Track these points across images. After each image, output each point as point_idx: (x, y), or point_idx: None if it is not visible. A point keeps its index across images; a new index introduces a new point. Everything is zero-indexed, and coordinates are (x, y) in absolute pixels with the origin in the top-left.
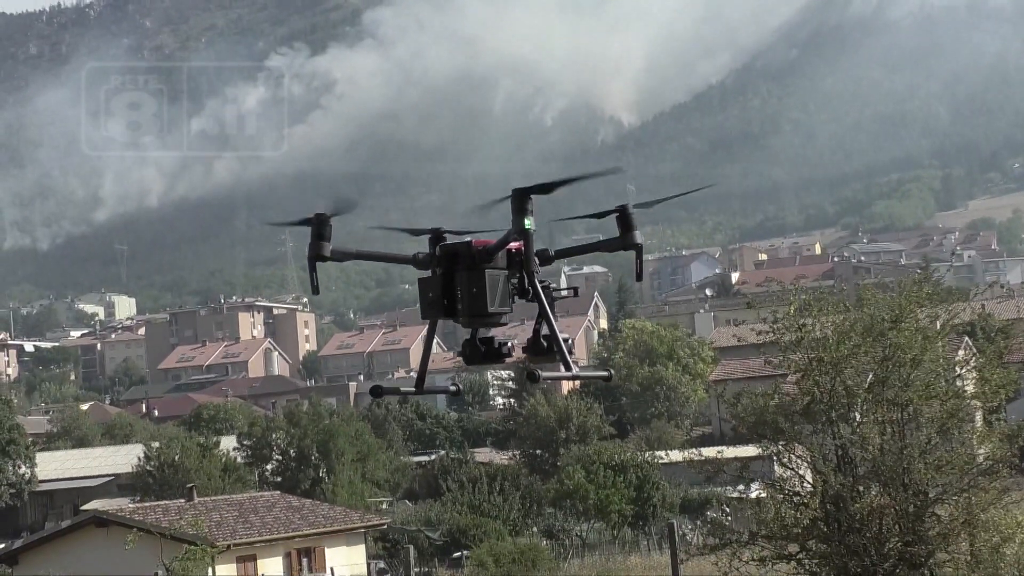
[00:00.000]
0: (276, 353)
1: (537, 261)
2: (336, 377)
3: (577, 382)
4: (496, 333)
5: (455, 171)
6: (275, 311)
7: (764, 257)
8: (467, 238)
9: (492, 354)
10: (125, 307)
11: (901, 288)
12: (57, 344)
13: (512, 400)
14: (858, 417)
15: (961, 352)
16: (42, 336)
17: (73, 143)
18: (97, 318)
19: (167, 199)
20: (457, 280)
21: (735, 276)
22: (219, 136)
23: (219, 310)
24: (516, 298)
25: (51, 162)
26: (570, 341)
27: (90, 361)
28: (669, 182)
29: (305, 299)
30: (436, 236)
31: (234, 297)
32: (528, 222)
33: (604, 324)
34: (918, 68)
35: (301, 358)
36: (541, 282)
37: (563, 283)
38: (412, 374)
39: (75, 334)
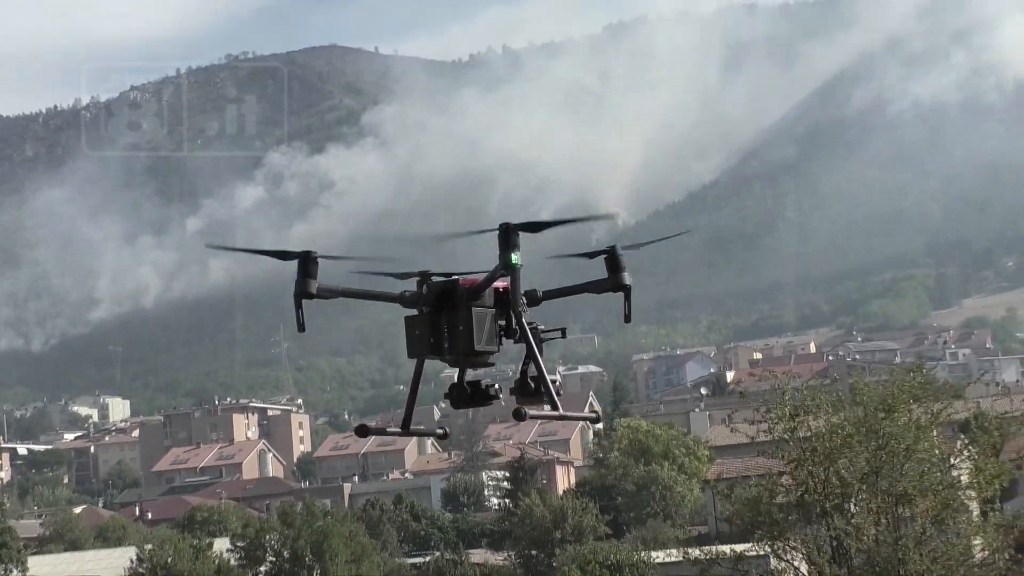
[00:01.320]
0: (270, 455)
1: (525, 301)
2: (330, 478)
3: (572, 480)
4: (482, 375)
5: (453, 268)
6: (269, 412)
7: (759, 356)
8: (455, 278)
9: (479, 395)
10: (119, 409)
11: (894, 379)
12: (50, 447)
13: (507, 500)
14: (853, 508)
15: (957, 444)
16: (35, 439)
17: (69, 243)
18: (91, 420)
19: (163, 299)
20: (444, 318)
21: (730, 375)
22: (216, 235)
23: (213, 412)
24: (503, 340)
25: (47, 263)
26: (558, 383)
27: (83, 464)
28: (664, 280)
29: (300, 400)
30: (424, 277)
31: (228, 398)
32: (515, 258)
33: (599, 424)
34: (912, 167)
35: (295, 459)
36: (529, 323)
37: (558, 380)
38: (408, 475)
39: (69, 437)
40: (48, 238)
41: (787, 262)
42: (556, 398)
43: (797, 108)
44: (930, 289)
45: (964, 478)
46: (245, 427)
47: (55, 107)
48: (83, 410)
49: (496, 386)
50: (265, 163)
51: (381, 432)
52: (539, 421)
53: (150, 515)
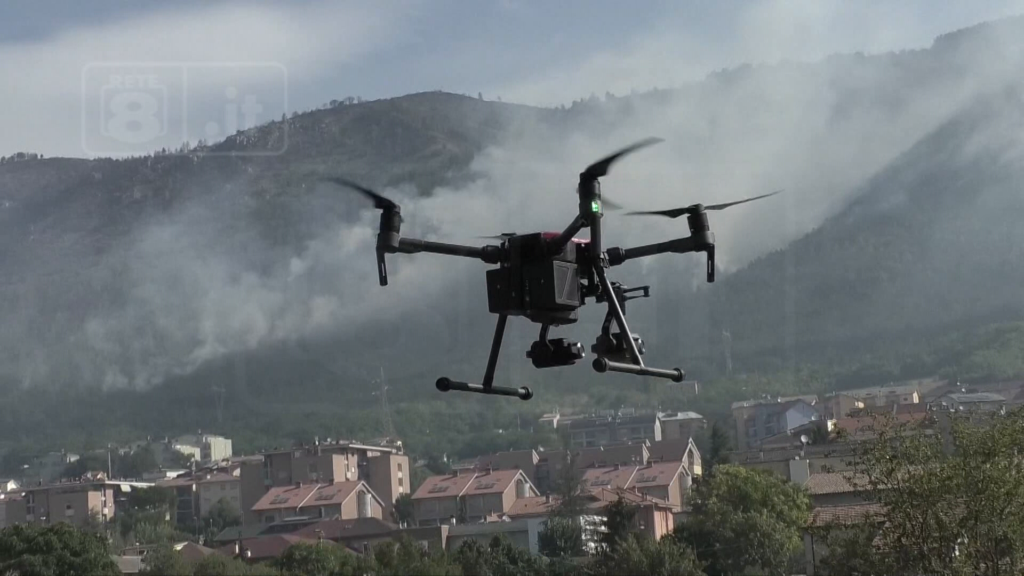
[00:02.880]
0: (369, 496)
1: (606, 254)
2: (428, 520)
3: (670, 526)
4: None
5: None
6: (369, 454)
7: (861, 405)
8: (536, 232)
9: (562, 354)
10: (221, 448)
11: (995, 424)
12: (153, 484)
13: (604, 545)
14: (956, 552)
15: None
16: (139, 476)
17: (175, 284)
18: (193, 459)
19: (266, 340)
20: (525, 272)
21: (831, 424)
22: (320, 276)
23: (313, 452)
24: (585, 299)
25: (153, 303)
26: (640, 340)
27: (185, 502)
28: (765, 328)
29: (399, 442)
30: (508, 234)
31: (328, 439)
32: (595, 205)
33: (698, 470)
34: (1018, 218)
35: (394, 501)
36: (612, 283)
37: (657, 429)
38: (505, 518)
39: (171, 475)
40: (155, 278)
41: (890, 312)
42: (638, 354)
43: (904, 157)
44: None
45: None
46: (345, 468)
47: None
48: (186, 449)
49: (579, 344)
50: (368, 206)
51: (463, 387)
52: (637, 466)
53: (249, 553)
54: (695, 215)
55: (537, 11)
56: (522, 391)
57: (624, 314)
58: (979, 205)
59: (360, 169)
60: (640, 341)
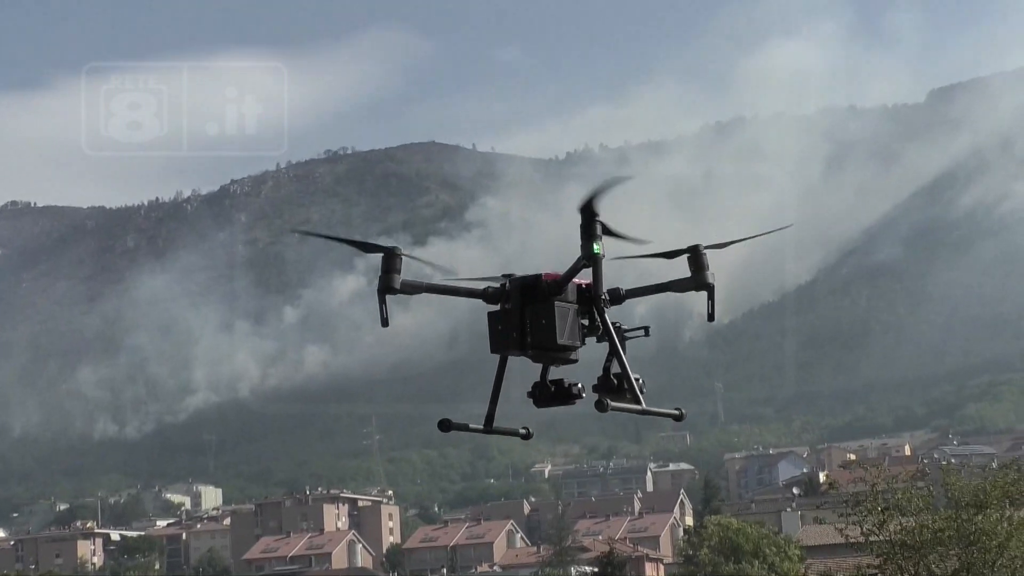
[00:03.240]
0: (360, 545)
1: (607, 295)
2: (419, 570)
3: (660, 574)
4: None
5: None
6: (360, 503)
7: (853, 457)
8: (538, 273)
9: (562, 394)
10: (211, 497)
11: (986, 476)
12: (143, 533)
13: None
14: None
15: None
16: (128, 525)
17: (167, 332)
18: (183, 508)
19: (258, 389)
20: (527, 313)
21: (823, 476)
22: (313, 325)
23: (304, 501)
24: (585, 339)
25: (145, 351)
26: (640, 380)
27: (175, 551)
28: (757, 380)
29: (390, 491)
30: (508, 275)
31: (319, 488)
32: (597, 247)
33: (690, 520)
34: (1013, 270)
35: (385, 550)
36: (613, 323)
37: (649, 480)
38: (496, 568)
39: (161, 523)
40: (147, 326)
41: (883, 363)
42: (639, 394)
43: (898, 209)
44: None
45: None
46: (335, 517)
47: (157, 199)
48: (176, 497)
49: (579, 385)
50: (362, 256)
51: (464, 428)
52: (629, 517)
53: None
54: (695, 255)
55: (533, 62)
56: (523, 431)
57: (625, 354)
58: (973, 258)
59: (354, 218)
60: (641, 381)
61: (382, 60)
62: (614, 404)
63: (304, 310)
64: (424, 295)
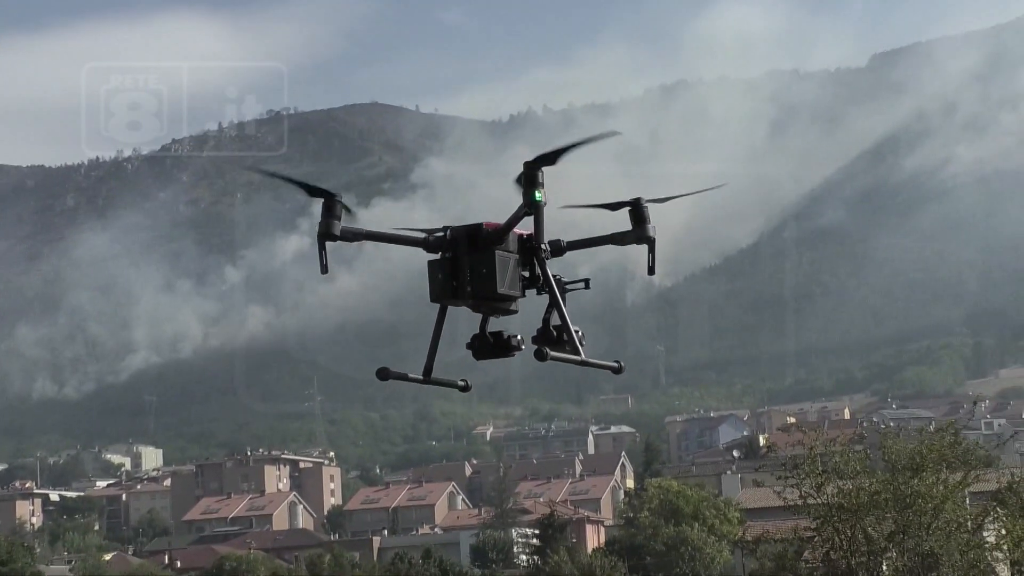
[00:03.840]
0: (301, 506)
1: (548, 246)
2: (360, 532)
3: (602, 539)
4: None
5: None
6: (301, 465)
7: (793, 420)
8: (478, 222)
9: (501, 346)
10: (152, 458)
11: (923, 440)
12: (82, 494)
13: (536, 557)
14: (884, 567)
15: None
16: (68, 486)
17: (107, 292)
18: (123, 469)
19: (200, 349)
20: (466, 262)
21: (763, 439)
22: (256, 285)
23: (245, 463)
24: (525, 291)
25: (85, 311)
26: (580, 332)
27: (115, 512)
28: (698, 343)
29: (332, 453)
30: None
31: (260, 450)
32: (539, 195)
33: (631, 483)
34: (952, 235)
35: (326, 512)
36: (554, 276)
37: (590, 442)
38: (437, 530)
39: (101, 484)
40: (87, 286)
41: (823, 327)
42: (579, 346)
43: (840, 173)
44: (966, 358)
45: (991, 539)
46: (276, 479)
47: (97, 158)
48: (116, 458)
49: (519, 336)
50: (309, 213)
51: (402, 377)
52: (570, 479)
53: (179, 563)
54: (636, 208)
55: (478, 23)
56: (461, 383)
57: (565, 305)
58: (914, 222)
59: (295, 178)
60: (580, 333)
61: (325, 20)
62: (554, 354)
63: (246, 270)
64: (367, 247)
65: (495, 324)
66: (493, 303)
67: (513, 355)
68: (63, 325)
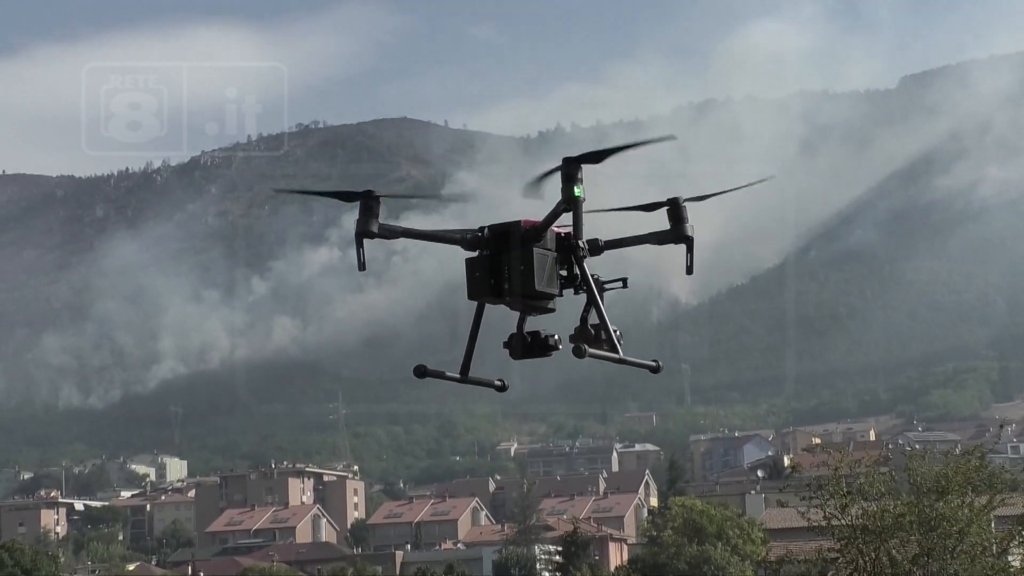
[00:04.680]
0: (324, 520)
1: (585, 244)
2: (383, 546)
3: (624, 557)
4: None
5: None
6: (325, 478)
7: (818, 441)
8: (516, 220)
9: (539, 345)
10: (176, 469)
11: (948, 462)
12: (107, 504)
13: (559, 574)
14: None
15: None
16: (92, 495)
17: (135, 303)
18: (148, 479)
19: (226, 361)
20: (504, 260)
21: (787, 459)
22: (284, 297)
23: (269, 475)
24: (563, 291)
25: (113, 322)
26: (618, 331)
27: (139, 522)
28: (724, 362)
29: (356, 467)
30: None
31: (285, 462)
32: (578, 190)
33: (654, 502)
34: (980, 258)
35: (349, 526)
36: (592, 275)
37: (614, 460)
38: (460, 546)
39: (125, 494)
40: (114, 296)
41: (849, 348)
42: (618, 344)
43: (869, 194)
44: (993, 382)
45: (1016, 563)
46: (300, 491)
47: (127, 169)
48: (141, 468)
49: (556, 336)
50: (339, 224)
51: (440, 375)
52: (593, 497)
53: (202, 574)
54: (674, 208)
55: (508, 39)
56: (498, 383)
57: (603, 304)
58: (942, 244)
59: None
60: (618, 332)
61: (356, 34)
62: (592, 351)
63: (275, 282)
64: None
65: (532, 323)
66: (531, 301)
67: (550, 355)
68: (90, 335)
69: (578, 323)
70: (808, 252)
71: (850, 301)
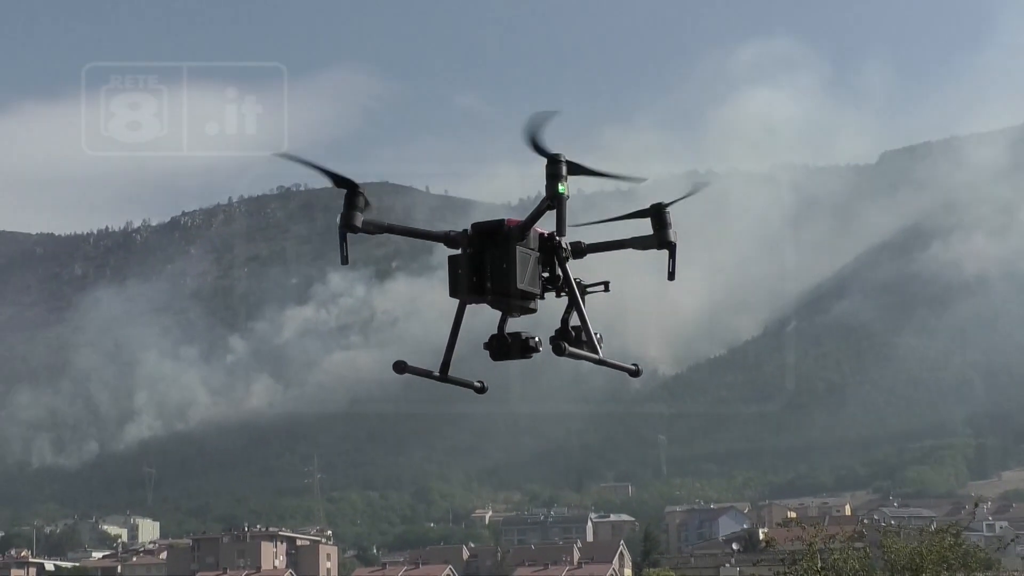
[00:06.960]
0: None
1: (568, 245)
2: None
3: None
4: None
5: (489, 411)
6: (298, 542)
7: (793, 515)
8: (500, 219)
9: (519, 347)
10: (149, 530)
11: (923, 540)
12: (78, 564)
13: None
14: None
15: None
16: (64, 556)
17: (111, 362)
18: (120, 540)
19: (201, 422)
20: (487, 258)
21: (763, 532)
22: (262, 358)
23: (242, 538)
24: (545, 292)
25: (89, 381)
26: (599, 335)
27: None
28: (701, 434)
29: (329, 531)
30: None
31: (258, 526)
32: (562, 187)
33: (629, 572)
34: (958, 336)
35: None
36: (574, 278)
37: (589, 529)
38: None
39: (97, 555)
40: (92, 355)
41: (827, 423)
42: (598, 346)
43: (847, 269)
44: (969, 459)
45: None
46: (273, 555)
47: (106, 228)
48: (113, 529)
49: (537, 338)
50: (318, 288)
51: (420, 372)
52: (568, 566)
53: None
54: (658, 214)
55: (495, 109)
56: (478, 384)
57: (584, 307)
58: (918, 321)
59: (304, 255)
60: (599, 335)
61: (341, 100)
62: (571, 349)
63: (254, 343)
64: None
65: (513, 324)
66: (512, 300)
67: (531, 356)
68: (66, 392)
69: (559, 325)
70: (788, 324)
71: (828, 375)
